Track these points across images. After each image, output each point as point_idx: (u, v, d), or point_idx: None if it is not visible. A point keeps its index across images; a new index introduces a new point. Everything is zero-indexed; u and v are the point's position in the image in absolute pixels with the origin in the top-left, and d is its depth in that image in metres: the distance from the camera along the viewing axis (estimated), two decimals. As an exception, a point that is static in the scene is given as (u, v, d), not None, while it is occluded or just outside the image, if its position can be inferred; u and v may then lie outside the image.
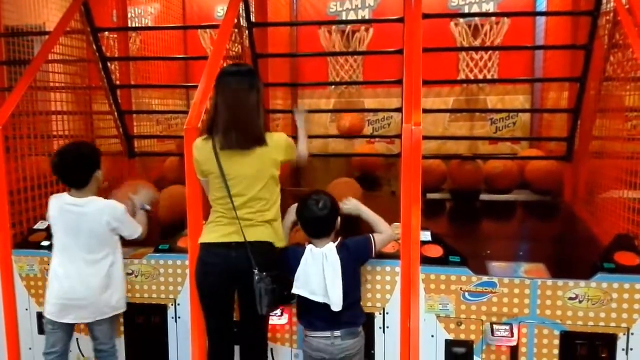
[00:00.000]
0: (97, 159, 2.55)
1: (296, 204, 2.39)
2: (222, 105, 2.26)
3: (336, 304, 2.21)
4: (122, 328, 2.80)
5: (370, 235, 2.38)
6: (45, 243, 2.82)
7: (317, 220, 2.28)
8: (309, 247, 2.26)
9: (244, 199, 2.26)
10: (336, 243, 2.29)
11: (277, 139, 2.34)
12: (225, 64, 2.96)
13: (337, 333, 2.25)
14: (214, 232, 2.30)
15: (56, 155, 2.51)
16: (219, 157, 2.25)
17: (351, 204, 2.49)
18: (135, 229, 2.60)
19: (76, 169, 2.47)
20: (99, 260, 2.49)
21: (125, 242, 2.63)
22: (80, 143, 2.74)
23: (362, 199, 2.65)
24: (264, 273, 2.18)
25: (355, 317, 2.32)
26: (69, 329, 2.57)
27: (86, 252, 2.47)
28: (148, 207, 2.78)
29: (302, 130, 2.73)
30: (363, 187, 3.45)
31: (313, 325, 2.30)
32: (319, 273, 2.22)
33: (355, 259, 2.35)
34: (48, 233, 2.72)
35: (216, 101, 2.29)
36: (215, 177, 2.28)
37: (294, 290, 2.26)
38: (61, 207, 2.49)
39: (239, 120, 2.24)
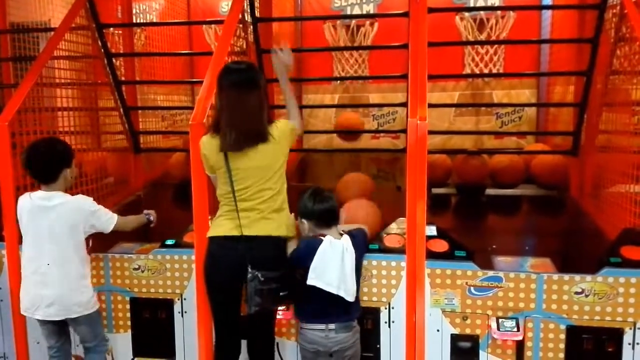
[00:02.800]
0: (69, 156, 2.51)
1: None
2: (224, 106, 2.27)
3: (352, 295, 2.26)
4: (129, 323, 2.82)
5: (362, 227, 2.52)
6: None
7: (330, 210, 2.33)
8: (328, 239, 2.26)
9: (253, 190, 2.27)
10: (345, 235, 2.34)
11: (281, 128, 2.33)
12: (229, 60, 2.96)
13: (332, 326, 2.27)
14: (222, 226, 2.32)
15: (27, 148, 2.49)
16: (227, 153, 2.26)
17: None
18: (109, 220, 2.52)
19: (44, 163, 2.44)
20: (69, 258, 2.45)
21: (131, 238, 2.62)
22: (52, 139, 2.71)
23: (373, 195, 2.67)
24: (257, 273, 2.19)
25: (351, 310, 2.34)
26: (55, 324, 2.53)
27: (56, 250, 2.42)
28: (152, 218, 2.78)
29: (287, 88, 2.53)
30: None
31: (308, 317, 2.32)
32: (337, 264, 2.24)
33: (361, 250, 2.40)
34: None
35: (220, 100, 2.29)
36: (224, 172, 2.29)
37: (309, 282, 2.24)
38: (31, 204, 2.46)
39: (239, 121, 2.23)
